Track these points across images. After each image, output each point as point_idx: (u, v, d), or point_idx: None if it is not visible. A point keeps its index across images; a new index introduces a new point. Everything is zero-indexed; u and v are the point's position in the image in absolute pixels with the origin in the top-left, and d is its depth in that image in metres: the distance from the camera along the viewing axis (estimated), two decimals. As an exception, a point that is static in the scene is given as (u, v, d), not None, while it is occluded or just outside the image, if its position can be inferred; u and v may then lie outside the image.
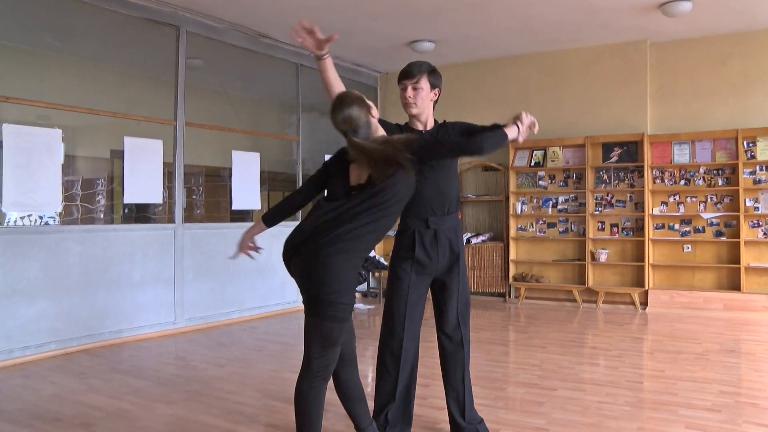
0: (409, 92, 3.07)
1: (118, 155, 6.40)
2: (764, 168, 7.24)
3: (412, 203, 2.88)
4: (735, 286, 7.26)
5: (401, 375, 3.10)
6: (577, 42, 7.88)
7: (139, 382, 4.48)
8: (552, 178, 8.31)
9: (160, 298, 6.27)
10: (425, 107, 3.11)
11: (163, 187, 6.42)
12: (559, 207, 8.26)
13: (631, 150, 7.75)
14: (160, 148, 6.33)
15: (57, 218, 6.14)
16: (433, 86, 3.11)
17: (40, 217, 6.04)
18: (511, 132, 2.96)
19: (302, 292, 2.65)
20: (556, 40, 7.79)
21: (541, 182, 8.34)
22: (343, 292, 2.53)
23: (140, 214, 7.28)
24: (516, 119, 3.02)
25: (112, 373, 4.77)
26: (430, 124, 3.16)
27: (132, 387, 4.36)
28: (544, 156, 8.26)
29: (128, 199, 6.18)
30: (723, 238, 7.40)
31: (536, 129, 3.07)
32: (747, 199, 7.28)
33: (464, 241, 2.88)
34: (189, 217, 8.05)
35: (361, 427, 2.89)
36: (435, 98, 3.15)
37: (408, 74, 3.09)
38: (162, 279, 6.29)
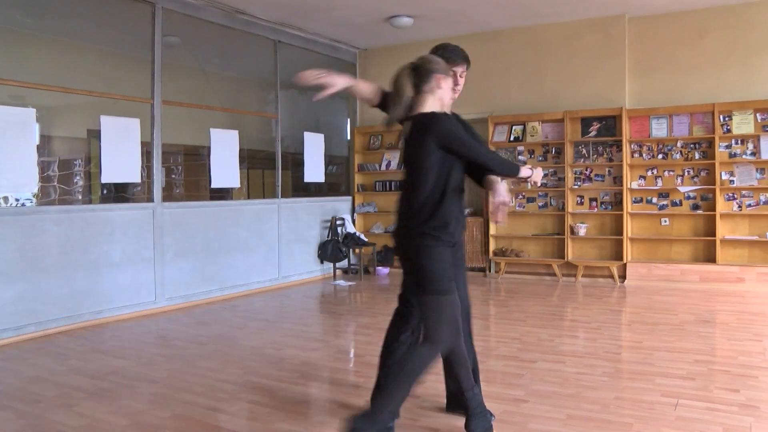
0: (461, 79, 3.12)
1: (95, 135, 6.32)
2: (740, 142, 7.32)
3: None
4: (711, 258, 7.37)
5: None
6: (557, 16, 7.87)
7: (120, 362, 4.48)
8: (531, 152, 8.34)
9: (140, 277, 6.24)
10: None
11: (142, 167, 6.37)
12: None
13: (610, 124, 7.80)
14: (138, 126, 6.26)
15: (34, 200, 6.07)
16: None
17: (17, 199, 5.97)
18: (524, 171, 3.02)
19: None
20: (537, 15, 7.78)
21: (520, 157, 8.37)
22: None
23: (119, 194, 7.22)
24: (531, 168, 3.06)
25: (92, 353, 4.76)
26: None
27: (113, 367, 4.35)
28: (524, 131, 8.28)
29: (105, 178, 6.12)
30: (699, 211, 7.49)
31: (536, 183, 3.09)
32: (723, 173, 7.37)
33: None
34: (168, 196, 8.01)
35: (464, 388, 3.01)
36: None
37: (467, 60, 3.11)
38: (142, 258, 6.26)
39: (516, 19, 7.97)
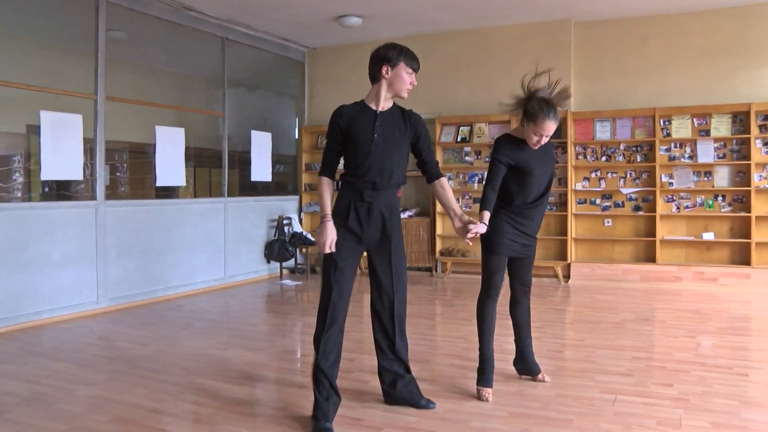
0: (414, 79, 3.26)
1: (35, 130, 6.13)
2: (678, 145, 7.56)
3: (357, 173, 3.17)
4: (651, 258, 7.60)
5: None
6: (505, 19, 7.98)
7: (58, 365, 4.35)
8: (478, 153, 8.45)
9: (81, 277, 6.08)
10: None
11: (85, 164, 6.21)
12: (485, 182, 8.38)
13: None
14: (80, 123, 6.09)
15: (-32, 196, 5.86)
16: None
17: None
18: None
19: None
20: (485, 17, 7.88)
21: (467, 158, 8.47)
22: None
23: (61, 191, 7.03)
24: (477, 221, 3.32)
25: (28, 356, 4.61)
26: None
27: (51, 370, 4.23)
28: (471, 132, 8.38)
29: (45, 175, 5.94)
30: (641, 213, 7.71)
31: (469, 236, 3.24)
32: (663, 175, 7.60)
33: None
34: (113, 194, 7.84)
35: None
36: None
37: (418, 64, 3.27)
38: (83, 258, 6.10)
39: (464, 21, 8.06)
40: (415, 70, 3.24)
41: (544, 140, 3.51)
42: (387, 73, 3.17)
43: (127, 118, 7.73)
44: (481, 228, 3.28)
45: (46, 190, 7.06)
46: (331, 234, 3.12)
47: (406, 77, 3.20)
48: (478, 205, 8.32)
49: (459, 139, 8.42)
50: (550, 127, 3.43)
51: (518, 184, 3.56)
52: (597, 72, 7.96)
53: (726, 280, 7.17)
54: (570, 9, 7.52)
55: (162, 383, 3.91)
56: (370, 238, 3.24)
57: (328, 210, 3.17)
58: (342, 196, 3.22)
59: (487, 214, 3.44)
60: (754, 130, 7.15)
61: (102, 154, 6.32)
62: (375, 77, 3.22)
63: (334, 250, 3.13)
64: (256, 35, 8.34)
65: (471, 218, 3.28)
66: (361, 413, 3.35)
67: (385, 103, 3.24)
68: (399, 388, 3.38)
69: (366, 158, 3.13)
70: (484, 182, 3.44)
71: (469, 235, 3.22)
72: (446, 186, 3.39)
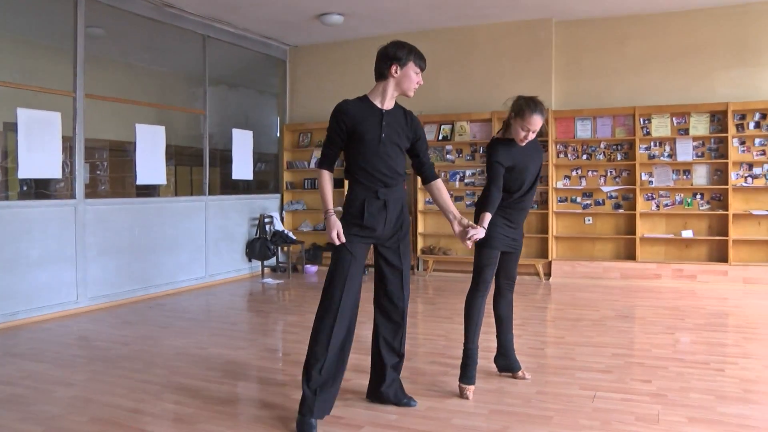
0: (421, 79, 3.31)
1: (12, 128, 6.06)
2: (658, 144, 7.64)
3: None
4: (631, 255, 7.67)
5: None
6: (486, 18, 8.01)
7: (36, 366, 4.31)
8: (459, 152, 8.48)
9: (60, 276, 6.02)
10: None
11: (64, 162, 6.14)
12: (466, 180, 8.44)
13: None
14: (59, 120, 6.02)
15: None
16: None
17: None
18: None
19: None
20: (467, 16, 7.90)
21: (448, 156, 8.49)
22: None
23: (39, 190, 6.95)
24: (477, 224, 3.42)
25: (5, 357, 4.56)
26: None
27: (28, 371, 4.18)
28: (452, 130, 8.40)
29: (23, 174, 5.87)
30: (621, 211, 7.78)
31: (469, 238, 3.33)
32: (642, 173, 7.68)
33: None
34: (93, 192, 7.78)
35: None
36: None
37: (426, 63, 3.34)
38: (63, 257, 6.04)
39: (446, 20, 8.08)
40: (423, 69, 3.29)
41: (531, 136, 3.56)
42: (396, 72, 3.19)
43: (107, 116, 7.66)
44: (480, 233, 3.33)
45: (24, 188, 6.98)
46: (336, 225, 3.13)
47: (414, 77, 3.24)
48: (459, 203, 8.39)
49: (440, 138, 8.44)
50: (537, 121, 3.50)
51: (513, 181, 3.62)
52: (577, 71, 8.02)
53: (704, 277, 7.25)
54: (551, 8, 7.56)
55: (142, 383, 3.88)
56: (384, 233, 3.24)
57: (330, 204, 3.18)
58: (355, 195, 3.20)
59: (488, 217, 3.48)
60: (732, 129, 7.24)
61: (81, 152, 6.26)
62: (383, 75, 3.23)
63: (344, 240, 3.13)
64: (238, 33, 8.30)
65: (470, 222, 3.33)
66: (342, 411, 3.35)
67: (390, 102, 3.27)
68: (386, 386, 3.39)
69: (375, 157, 3.15)
70: (487, 183, 3.57)
71: (469, 242, 3.28)
72: (442, 188, 3.43)
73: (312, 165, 9.11)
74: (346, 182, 3.31)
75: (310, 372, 3.10)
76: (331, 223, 3.12)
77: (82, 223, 6.23)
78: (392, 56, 3.19)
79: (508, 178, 3.61)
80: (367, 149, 3.15)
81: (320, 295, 3.19)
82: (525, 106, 3.51)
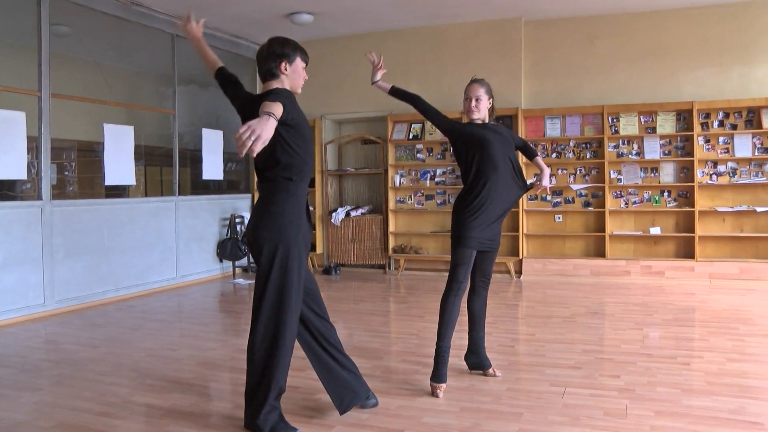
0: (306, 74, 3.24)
1: (-26, 128, 5.93)
2: (626, 142, 7.74)
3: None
4: (600, 253, 7.77)
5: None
6: (456, 17, 8.05)
7: (0, 371, 4.23)
8: (430, 151, 8.51)
9: (26, 279, 5.92)
10: None
11: (30, 163, 6.03)
12: (436, 179, 8.47)
13: (507, 124, 8.04)
14: (23, 120, 5.91)
15: None
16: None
17: None
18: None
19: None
20: (436, 15, 7.92)
21: (419, 155, 8.52)
22: None
23: (4, 191, 6.81)
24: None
25: (-29, 360, 4.48)
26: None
27: (-6, 374, 4.12)
28: (422, 129, 8.43)
29: (-13, 175, 5.77)
30: (590, 208, 7.87)
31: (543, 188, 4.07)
32: (611, 171, 7.78)
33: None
34: (62, 193, 7.65)
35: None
36: None
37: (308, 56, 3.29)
38: (29, 259, 5.94)
39: (416, 19, 8.09)
40: (307, 63, 3.20)
41: (475, 104, 3.81)
42: (285, 69, 3.09)
43: (75, 116, 7.54)
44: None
45: (-11, 190, 6.84)
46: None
47: (302, 72, 3.17)
48: (430, 202, 8.43)
49: (411, 137, 8.46)
50: (474, 88, 3.84)
51: (481, 158, 3.73)
52: (547, 70, 8.09)
53: (672, 273, 7.37)
54: (520, 7, 7.62)
55: (111, 386, 3.83)
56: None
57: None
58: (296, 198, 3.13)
59: (387, 86, 4.43)
60: (697, 128, 7.37)
61: (47, 152, 6.16)
62: (273, 74, 3.11)
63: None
64: (207, 32, 8.17)
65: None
66: (314, 411, 3.34)
67: None
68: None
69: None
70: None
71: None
72: None
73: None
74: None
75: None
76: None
77: (49, 224, 6.13)
78: (279, 54, 3.07)
79: (476, 155, 3.74)
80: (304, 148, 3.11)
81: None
82: (469, 81, 3.93)
